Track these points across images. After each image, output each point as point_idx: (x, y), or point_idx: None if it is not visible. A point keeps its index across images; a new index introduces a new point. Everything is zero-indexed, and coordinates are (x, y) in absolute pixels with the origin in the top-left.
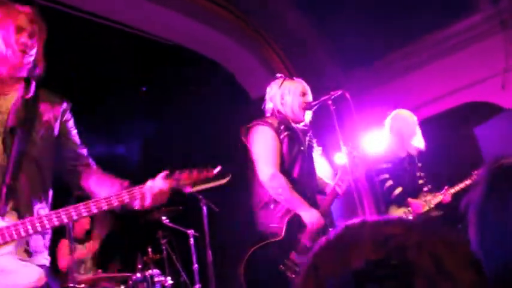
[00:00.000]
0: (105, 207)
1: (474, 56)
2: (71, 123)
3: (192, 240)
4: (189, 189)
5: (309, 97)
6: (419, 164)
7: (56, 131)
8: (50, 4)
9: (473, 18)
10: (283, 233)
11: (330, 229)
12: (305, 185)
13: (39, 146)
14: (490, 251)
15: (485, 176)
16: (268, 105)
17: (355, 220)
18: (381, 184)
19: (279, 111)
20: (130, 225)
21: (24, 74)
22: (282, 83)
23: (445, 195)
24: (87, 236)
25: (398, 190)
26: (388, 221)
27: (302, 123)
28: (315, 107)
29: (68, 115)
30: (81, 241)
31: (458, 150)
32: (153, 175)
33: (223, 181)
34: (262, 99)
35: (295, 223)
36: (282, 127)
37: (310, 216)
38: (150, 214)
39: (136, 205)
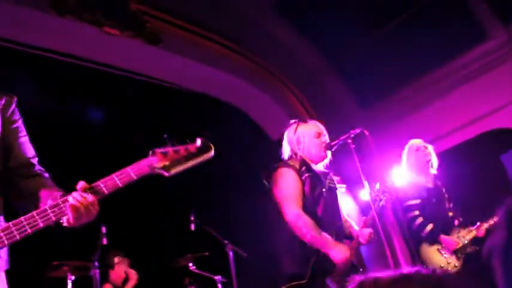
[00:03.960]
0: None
1: (493, 82)
2: (17, 124)
3: (220, 287)
4: (166, 174)
5: (325, 137)
6: (447, 195)
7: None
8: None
9: (487, 45)
10: (307, 277)
11: (360, 270)
12: (329, 226)
13: None
14: None
15: (505, 219)
16: (286, 151)
17: (367, 277)
18: (410, 221)
19: (297, 155)
20: (157, 273)
21: None
22: (296, 128)
23: (478, 230)
24: (125, 282)
25: (430, 227)
26: (404, 277)
27: (323, 164)
28: (335, 147)
29: (14, 113)
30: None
31: (486, 178)
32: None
33: (207, 156)
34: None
35: (320, 267)
36: (303, 168)
37: (337, 252)
38: (176, 261)
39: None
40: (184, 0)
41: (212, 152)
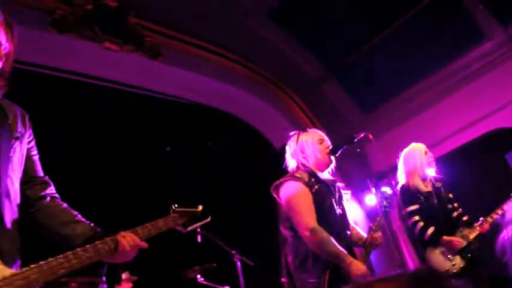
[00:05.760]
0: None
1: (494, 82)
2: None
3: None
4: (183, 230)
5: (328, 142)
6: (451, 195)
7: (24, 149)
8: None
9: (486, 45)
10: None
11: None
12: (340, 237)
13: (14, 163)
14: None
15: None
16: (292, 164)
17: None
18: (412, 227)
19: (304, 165)
20: (165, 286)
21: None
22: (297, 137)
23: (482, 226)
24: None
25: (431, 230)
26: (382, 279)
27: (329, 170)
28: (340, 152)
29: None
30: None
31: (491, 178)
32: None
33: (207, 220)
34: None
35: (337, 277)
36: (312, 180)
37: (355, 268)
38: (184, 274)
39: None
40: (183, 14)
41: (209, 218)
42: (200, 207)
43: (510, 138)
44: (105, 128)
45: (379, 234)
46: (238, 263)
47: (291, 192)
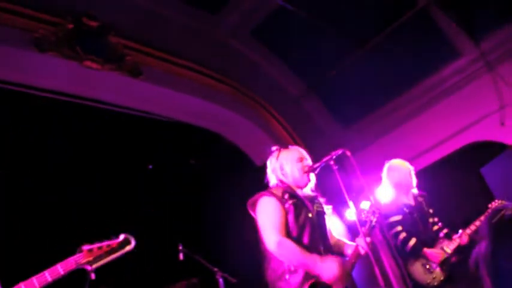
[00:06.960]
0: None
1: (467, 97)
2: None
3: None
4: (89, 268)
5: (308, 161)
6: (431, 210)
7: None
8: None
9: (460, 62)
10: None
11: None
12: (317, 251)
13: None
14: None
15: (489, 230)
16: (272, 180)
17: None
18: (394, 237)
19: (282, 182)
20: None
21: None
22: (278, 154)
23: (461, 237)
24: None
25: (413, 241)
26: None
27: (308, 188)
28: (318, 169)
29: None
30: None
31: (468, 192)
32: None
33: (129, 248)
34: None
35: None
36: (286, 196)
37: (328, 268)
38: None
39: None
40: (164, 32)
41: (132, 245)
42: (121, 237)
43: (485, 152)
44: (85, 147)
45: (368, 239)
46: (221, 280)
47: (262, 208)
